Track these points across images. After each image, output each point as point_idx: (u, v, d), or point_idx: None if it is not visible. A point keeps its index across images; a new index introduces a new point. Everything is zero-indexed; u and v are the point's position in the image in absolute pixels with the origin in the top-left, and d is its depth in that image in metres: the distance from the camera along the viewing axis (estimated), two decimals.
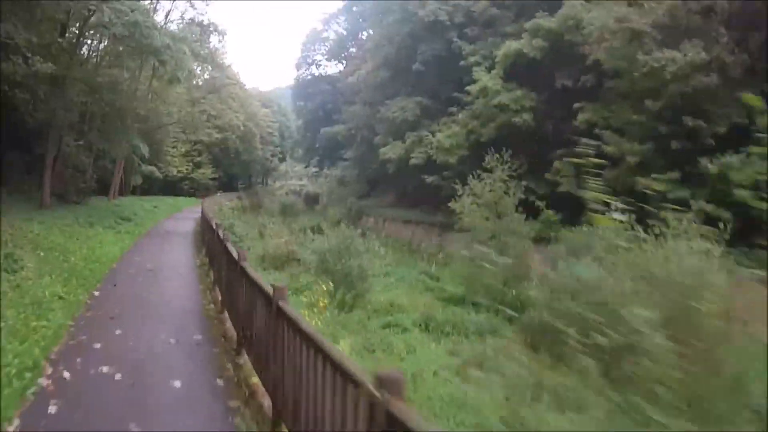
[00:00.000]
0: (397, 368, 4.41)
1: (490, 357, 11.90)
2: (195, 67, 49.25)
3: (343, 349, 10.76)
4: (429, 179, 37.17)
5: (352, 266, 18.58)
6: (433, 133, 37.13)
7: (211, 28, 46.92)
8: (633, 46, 24.31)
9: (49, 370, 7.96)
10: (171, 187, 66.23)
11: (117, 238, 24.23)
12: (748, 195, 5.25)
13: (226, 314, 11.30)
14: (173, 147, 64.12)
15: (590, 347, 6.48)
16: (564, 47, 30.67)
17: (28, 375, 7.51)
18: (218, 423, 6.55)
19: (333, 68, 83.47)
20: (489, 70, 34.31)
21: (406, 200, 49.18)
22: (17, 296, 11.50)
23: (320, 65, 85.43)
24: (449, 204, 27.25)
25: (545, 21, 31.09)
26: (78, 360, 8.48)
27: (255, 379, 7.53)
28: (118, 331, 10.24)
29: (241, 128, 72.75)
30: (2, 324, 9.07)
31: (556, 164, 29.17)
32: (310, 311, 14.76)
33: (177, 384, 7.70)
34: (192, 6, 48.11)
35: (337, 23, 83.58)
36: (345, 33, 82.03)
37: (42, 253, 16.78)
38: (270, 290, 6.12)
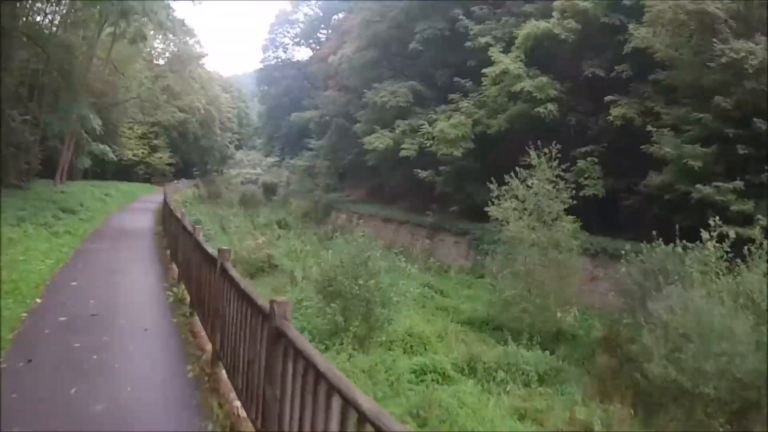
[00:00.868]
0: None
1: None
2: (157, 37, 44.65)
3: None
4: (422, 174, 32.71)
5: (372, 289, 14.10)
6: (430, 122, 32.68)
7: None
8: (703, 34, 20.72)
9: None
10: (125, 172, 60.23)
11: (51, 244, 16.43)
12: None
13: None
14: (129, 128, 58.49)
15: None
16: (598, 31, 26.55)
17: None
18: None
19: (301, 53, 78.95)
20: (502, 53, 30.03)
21: (382, 195, 44.62)
22: None
23: (288, 49, 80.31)
24: (452, 207, 25.06)
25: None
26: None
27: None
28: None
29: (202, 111, 67.46)
30: None
31: (581, 164, 25.12)
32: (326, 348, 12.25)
33: None
34: None
35: (308, 6, 78.74)
36: (317, 15, 76.94)
37: None
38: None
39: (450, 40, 34.34)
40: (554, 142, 26.47)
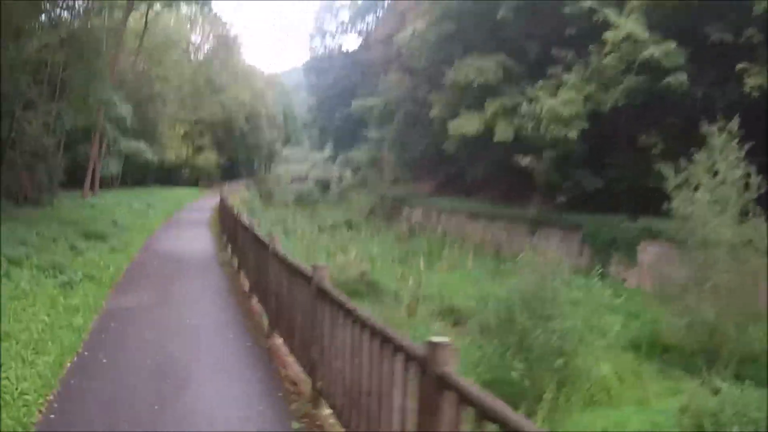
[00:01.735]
0: None
1: None
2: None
3: None
4: (523, 161, 27.19)
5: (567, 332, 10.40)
6: (531, 100, 27.15)
7: None
8: None
9: None
10: (168, 176, 55.75)
11: (55, 313, 8.98)
12: None
13: None
14: (170, 127, 53.68)
15: None
16: None
17: None
18: None
19: (349, 42, 73.97)
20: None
21: (456, 187, 39.34)
22: None
23: (335, 37, 75.09)
24: (559, 198, 24.14)
25: None
26: None
27: None
28: None
29: (248, 106, 62.57)
30: None
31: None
32: None
33: None
34: None
35: None
36: None
37: None
38: None
39: (543, 6, 28.57)
40: (678, 118, 22.17)
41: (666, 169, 16.73)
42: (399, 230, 36.69)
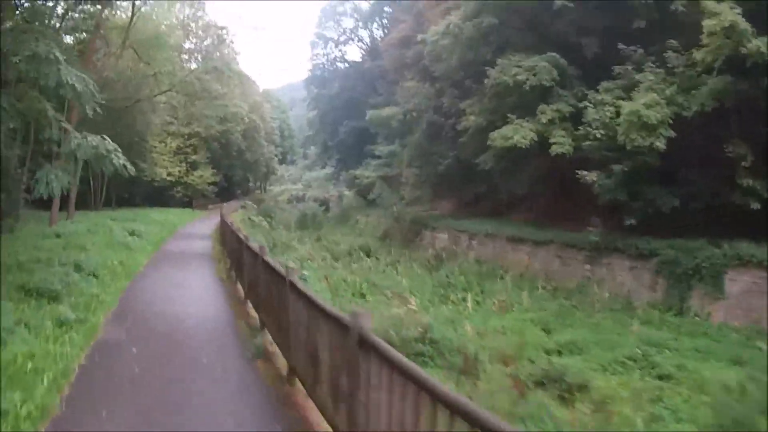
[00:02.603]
0: None
1: None
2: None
3: None
4: (588, 177, 22.58)
5: None
6: (595, 104, 22.81)
7: None
8: None
9: None
10: (159, 196, 51.05)
11: None
12: None
13: None
14: (161, 141, 48.96)
15: None
16: None
17: None
18: None
19: (353, 53, 70.04)
20: None
21: (482, 208, 35.11)
22: None
23: (338, 45, 70.97)
24: (628, 220, 20.79)
25: None
26: None
27: None
28: None
29: (246, 119, 58.03)
30: None
31: None
32: None
33: None
34: None
35: None
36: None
37: None
38: None
39: None
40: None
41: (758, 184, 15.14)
42: (423, 257, 32.32)
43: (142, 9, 29.76)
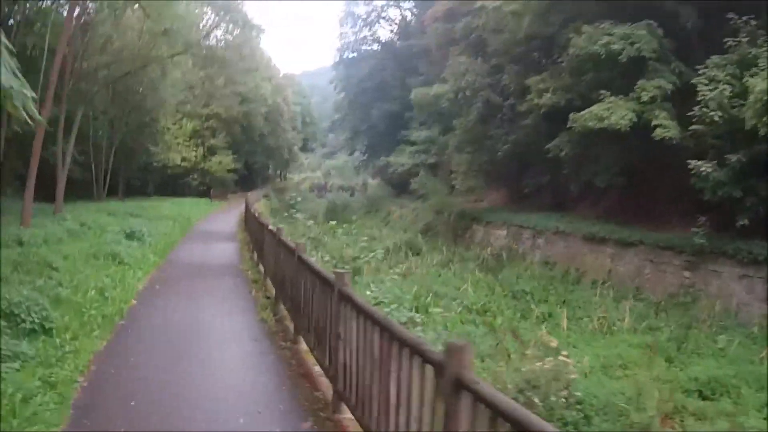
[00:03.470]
0: None
1: None
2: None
3: None
4: (703, 168, 18.29)
5: None
6: (711, 80, 18.51)
7: None
8: None
9: None
10: (173, 184, 47.00)
11: None
12: None
13: None
14: (175, 123, 44.86)
15: None
16: None
17: None
18: None
19: (382, 33, 65.69)
20: None
21: (541, 200, 30.93)
22: None
23: (369, 23, 65.61)
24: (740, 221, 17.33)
25: None
26: None
27: None
28: None
29: (269, 101, 53.99)
30: None
31: None
32: None
33: None
34: None
35: None
36: None
37: None
38: None
39: None
40: None
41: None
42: (477, 256, 28.37)
43: None
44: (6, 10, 21.61)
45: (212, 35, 35.84)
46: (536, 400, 7.83)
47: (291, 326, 9.60)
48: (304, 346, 8.45)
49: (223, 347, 9.02)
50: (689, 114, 19.02)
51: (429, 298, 17.40)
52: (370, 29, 65.71)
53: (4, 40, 6.08)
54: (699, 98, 18.78)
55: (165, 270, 16.32)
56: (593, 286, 21.59)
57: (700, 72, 19.49)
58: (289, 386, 7.26)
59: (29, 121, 7.26)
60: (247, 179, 60.66)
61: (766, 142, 16.85)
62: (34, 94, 6.60)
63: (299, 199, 53.37)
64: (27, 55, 20.84)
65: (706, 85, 18.77)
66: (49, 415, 5.82)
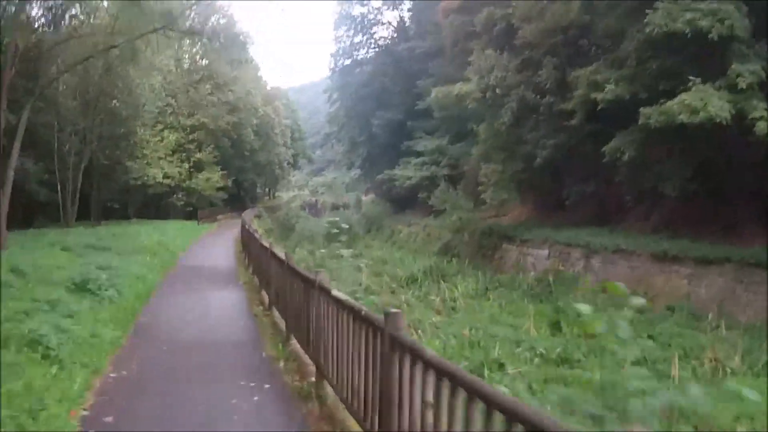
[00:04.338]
0: None
1: None
2: None
3: None
4: None
5: None
6: None
7: None
8: None
9: None
10: (156, 205, 43.02)
11: None
12: None
13: None
14: (156, 135, 40.85)
15: None
16: None
17: None
18: None
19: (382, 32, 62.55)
20: None
21: (582, 214, 27.33)
22: None
23: (365, 27, 62.96)
24: None
25: None
26: None
27: None
28: None
29: (259, 112, 50.39)
30: None
31: None
32: None
33: None
34: None
35: None
36: None
37: None
38: None
39: None
40: None
41: None
42: (511, 279, 25.20)
43: None
44: None
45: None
46: None
47: None
48: None
49: None
50: None
51: (497, 349, 13.26)
52: (366, 32, 63.46)
53: None
54: None
55: (127, 361, 8.30)
56: (673, 315, 18.14)
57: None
58: None
59: None
60: (236, 198, 56.86)
61: None
62: None
63: (294, 219, 50.20)
64: None
65: None
66: None
